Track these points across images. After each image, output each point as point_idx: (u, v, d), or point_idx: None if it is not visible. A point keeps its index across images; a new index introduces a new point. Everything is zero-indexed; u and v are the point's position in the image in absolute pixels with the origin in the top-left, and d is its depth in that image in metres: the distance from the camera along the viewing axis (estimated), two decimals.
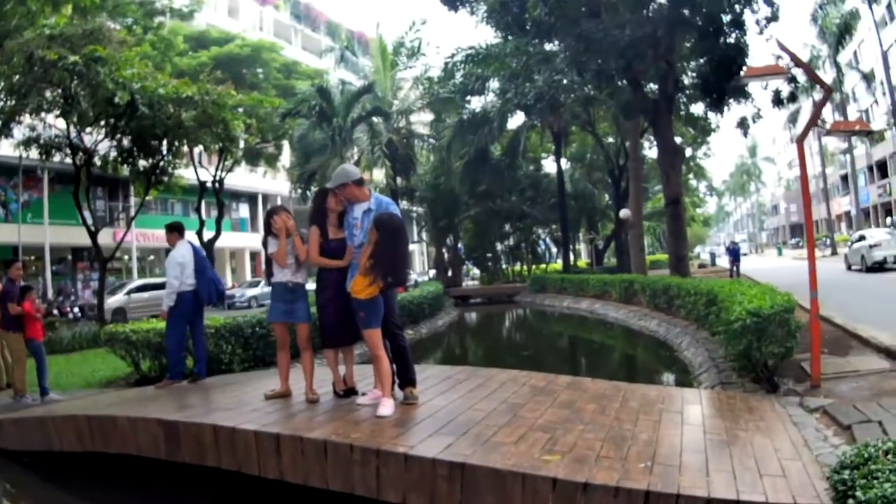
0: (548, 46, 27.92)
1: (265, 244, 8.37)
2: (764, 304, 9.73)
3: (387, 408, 7.07)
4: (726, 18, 22.59)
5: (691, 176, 61.95)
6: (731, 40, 23.13)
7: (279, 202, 63.22)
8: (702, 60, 25.61)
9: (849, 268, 33.80)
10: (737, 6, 22.59)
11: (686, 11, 22.80)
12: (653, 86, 27.98)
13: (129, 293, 36.85)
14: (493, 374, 9.67)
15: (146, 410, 8.21)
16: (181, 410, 8.16)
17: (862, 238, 33.60)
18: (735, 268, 35.61)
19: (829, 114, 72.34)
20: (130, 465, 8.26)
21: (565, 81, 25.85)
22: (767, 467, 5.74)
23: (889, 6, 52.46)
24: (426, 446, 5.99)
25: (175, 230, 11.28)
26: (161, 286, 34.33)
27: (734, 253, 36.46)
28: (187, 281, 10.65)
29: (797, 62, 10.99)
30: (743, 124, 28.46)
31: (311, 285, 8.49)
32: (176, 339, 10.93)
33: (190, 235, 41.17)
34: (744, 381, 10.26)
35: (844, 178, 75.74)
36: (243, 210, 63.56)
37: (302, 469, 6.41)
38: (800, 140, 10.59)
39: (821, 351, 9.61)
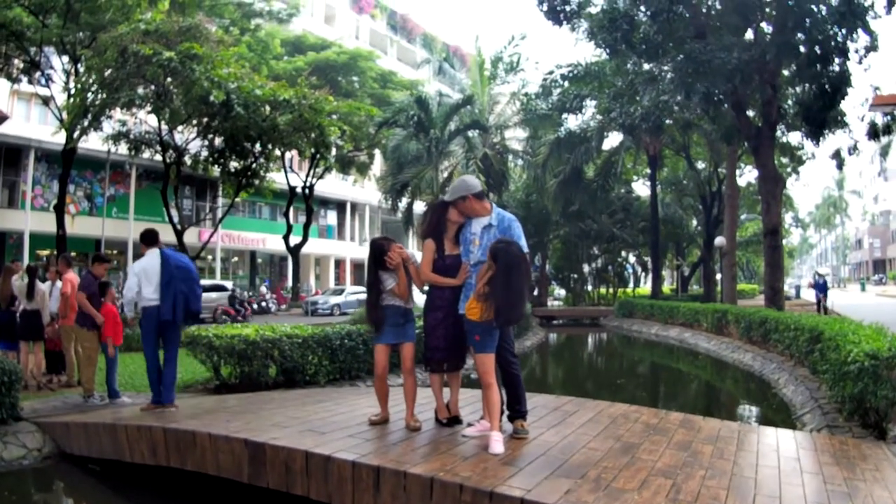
0: (646, 66, 27.50)
1: (375, 278, 7.63)
2: (881, 346, 9.27)
3: (498, 444, 6.55)
4: (832, 45, 22.01)
5: None
6: (836, 68, 22.64)
7: (367, 211, 64.34)
8: (804, 87, 25.18)
9: None
10: (840, 33, 22.01)
11: (799, 35, 22.46)
12: (751, 112, 27.31)
13: None
14: (601, 407, 9.25)
15: (230, 428, 7.71)
16: (268, 430, 7.56)
17: None
18: (823, 303, 34.24)
19: None
20: (206, 484, 7.90)
21: (670, 102, 25.14)
22: None
23: None
24: (544, 490, 5.48)
25: (143, 239, 10.34)
26: (213, 288, 35.20)
27: (822, 287, 34.98)
28: (148, 295, 9.83)
29: None
30: (838, 156, 27.77)
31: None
32: (147, 358, 10.16)
33: (276, 240, 41.98)
34: (851, 426, 9.77)
35: None
36: (331, 217, 63.61)
37: None
38: None
39: None
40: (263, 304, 43.67)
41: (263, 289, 47.91)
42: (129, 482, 8.83)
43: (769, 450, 7.38)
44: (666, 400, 16.79)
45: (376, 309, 7.55)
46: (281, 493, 6.81)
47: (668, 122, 30.47)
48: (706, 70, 21.77)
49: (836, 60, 22.53)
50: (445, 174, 42.36)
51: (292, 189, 44.39)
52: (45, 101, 28.29)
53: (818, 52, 22.22)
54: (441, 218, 7.55)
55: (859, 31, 22.43)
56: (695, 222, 60.54)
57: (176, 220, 31.24)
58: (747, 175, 50.04)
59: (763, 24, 25.07)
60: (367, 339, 14.94)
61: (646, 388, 19.51)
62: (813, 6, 21.85)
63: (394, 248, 7.51)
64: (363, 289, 42.08)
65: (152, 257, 10.01)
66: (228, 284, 39.84)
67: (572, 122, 42.83)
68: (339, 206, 63.67)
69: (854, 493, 6.01)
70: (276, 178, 38.52)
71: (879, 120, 25.38)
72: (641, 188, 59.52)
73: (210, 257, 47.53)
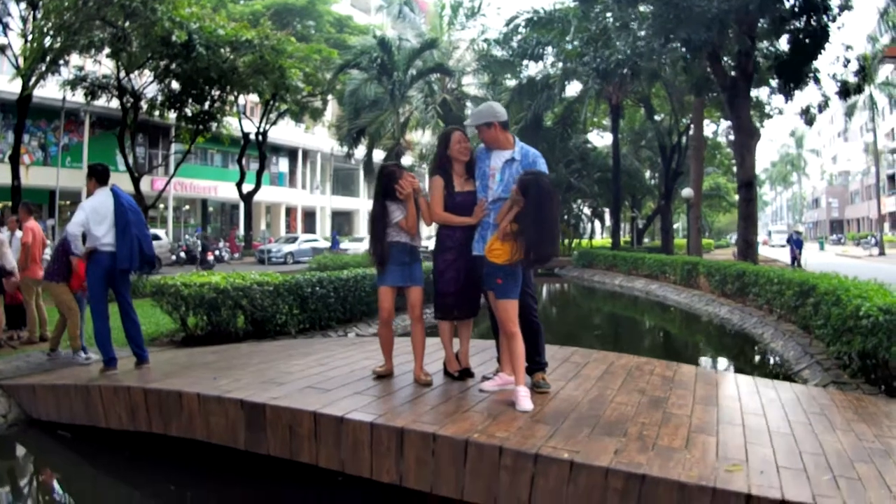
0: (618, 13, 27.13)
1: (383, 209, 6.88)
2: (895, 301, 8.91)
3: (526, 399, 5.97)
4: None
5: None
6: (816, 22, 22.38)
7: (319, 159, 64.19)
8: (781, 40, 24.86)
9: None
10: None
11: None
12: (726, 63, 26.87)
13: None
14: (610, 358, 8.79)
15: (219, 387, 6.91)
16: (264, 389, 6.72)
17: None
18: (797, 261, 33.76)
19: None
20: (194, 450, 7.14)
21: (649, 48, 24.63)
22: None
23: None
24: (591, 451, 4.94)
25: (93, 174, 9.16)
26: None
27: (799, 244, 34.44)
28: (100, 238, 8.73)
29: None
30: (807, 112, 27.52)
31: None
32: (96, 313, 8.92)
33: (229, 187, 41.73)
34: (858, 383, 9.50)
35: (891, 177, 74.40)
36: (283, 164, 63.43)
37: (429, 474, 5.33)
38: None
39: None
40: (217, 252, 42.92)
41: (194, 238, 46.88)
42: (104, 449, 8.00)
43: (793, 404, 7.16)
44: (660, 352, 16.36)
45: (381, 244, 6.86)
46: (282, 461, 6.20)
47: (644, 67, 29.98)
48: (687, 17, 21.38)
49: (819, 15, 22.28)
50: (402, 119, 42.16)
51: (246, 135, 44.00)
52: (2, 49, 27.37)
53: (803, 4, 22.01)
54: (445, 151, 6.90)
55: None
56: (648, 174, 60.57)
57: (132, 167, 30.71)
58: (706, 129, 50.02)
59: None
60: (338, 286, 14.67)
61: (632, 339, 19.01)
62: None
63: (406, 175, 6.82)
64: (315, 237, 41.94)
65: (104, 196, 8.96)
66: (161, 233, 38.66)
67: (532, 69, 42.93)
68: (291, 153, 63.55)
69: (891, 451, 5.79)
70: (231, 124, 38.06)
71: (851, 78, 25.10)
72: (597, 139, 59.58)
73: (162, 206, 46.76)
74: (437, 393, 6.58)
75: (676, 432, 5.58)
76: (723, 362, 15.09)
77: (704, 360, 15.41)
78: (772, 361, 13.88)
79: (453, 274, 6.75)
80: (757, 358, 14.97)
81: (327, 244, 48.44)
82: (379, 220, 6.87)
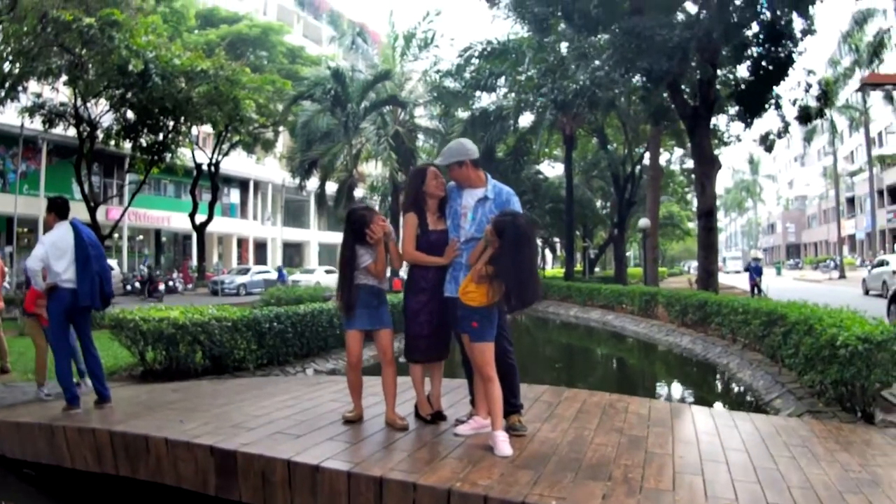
0: (564, 46, 27.16)
1: (352, 253, 6.69)
2: (873, 330, 8.89)
3: (505, 444, 5.79)
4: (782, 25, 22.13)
5: (689, 189, 61.05)
6: (782, 49, 22.59)
7: (270, 190, 64.23)
8: (741, 67, 24.89)
9: (866, 293, 33.10)
10: (790, 14, 22.14)
11: (748, 15, 22.32)
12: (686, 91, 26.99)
13: None
14: (582, 396, 8.70)
15: (187, 431, 6.67)
16: (233, 433, 6.50)
17: (883, 263, 32.73)
18: (757, 288, 33.33)
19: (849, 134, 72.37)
20: (164, 492, 6.73)
21: (608, 78, 24.63)
22: None
23: None
24: (579, 497, 4.79)
25: (53, 208, 8.82)
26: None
27: (758, 271, 34.01)
28: (60, 274, 8.38)
29: None
30: (766, 138, 27.62)
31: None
32: (58, 350, 8.64)
33: (182, 217, 41.65)
34: (834, 411, 9.35)
35: (850, 200, 75.34)
36: (234, 195, 63.61)
37: None
38: None
39: None
40: (171, 283, 42.65)
41: (144, 269, 46.37)
42: (71, 490, 7.67)
43: (773, 437, 7.13)
44: (628, 385, 16.17)
45: (350, 288, 6.66)
46: None
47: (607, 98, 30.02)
48: (648, 46, 21.39)
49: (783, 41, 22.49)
50: (354, 151, 42.22)
51: (199, 166, 43.97)
52: None
53: (768, 32, 22.19)
54: (420, 188, 6.68)
55: (794, 14, 22.43)
56: (600, 203, 60.95)
57: (88, 196, 30.41)
58: (692, 157, 50.56)
59: (689, 3, 25.01)
60: (296, 322, 14.44)
61: (597, 373, 18.87)
62: None
63: (377, 219, 6.65)
64: (268, 268, 41.82)
65: (63, 230, 8.60)
66: (113, 263, 38.37)
67: (485, 100, 42.97)
68: (243, 184, 63.79)
69: (878, 480, 5.78)
70: (184, 155, 38.00)
71: (813, 103, 25.30)
72: (548, 169, 59.90)
73: (117, 235, 46.16)
74: (411, 438, 6.37)
75: (661, 473, 5.49)
76: (694, 395, 14.90)
77: (676, 393, 15.30)
78: (742, 392, 13.73)
79: (427, 316, 6.57)
80: (727, 388, 14.80)
81: (275, 275, 48.07)
82: (348, 265, 6.69)
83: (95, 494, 7.51)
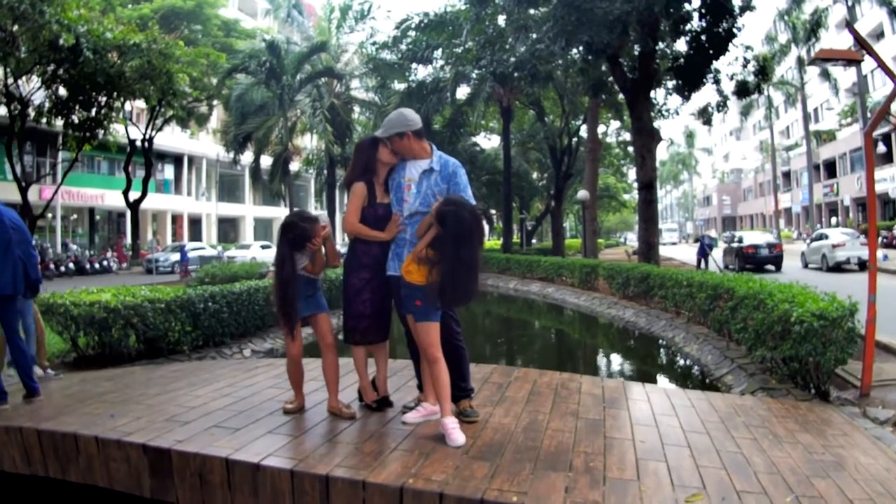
0: (502, 19, 26.96)
1: (289, 260, 6.21)
2: (828, 307, 8.72)
3: (457, 432, 5.45)
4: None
5: (626, 161, 61.29)
6: (724, 24, 22.57)
7: (204, 165, 63.14)
8: (682, 41, 24.84)
9: (805, 266, 33.54)
10: None
11: None
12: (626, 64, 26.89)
13: None
14: (532, 375, 8.38)
15: (118, 427, 6.16)
16: (167, 429, 6.06)
17: (822, 237, 33.21)
18: (705, 263, 33.04)
19: (788, 110, 73.02)
20: (101, 494, 6.29)
21: (548, 51, 24.39)
22: None
23: (852, 7, 51.99)
24: (540, 491, 4.51)
25: None
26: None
27: (710, 247, 33.59)
28: None
29: (869, 50, 9.72)
30: (705, 112, 27.64)
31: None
32: None
33: (116, 195, 40.89)
34: (788, 388, 9.24)
35: (786, 174, 76.32)
36: (168, 171, 62.41)
37: None
38: (868, 133, 9.66)
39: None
40: (105, 262, 42.13)
41: (73, 247, 45.26)
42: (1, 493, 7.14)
43: (732, 418, 6.97)
44: (574, 363, 16.08)
45: (286, 294, 6.21)
46: None
47: (542, 70, 29.78)
48: (588, 19, 21.16)
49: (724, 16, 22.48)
50: (289, 125, 42.21)
51: (132, 142, 43.21)
52: None
53: (709, 7, 22.19)
54: (371, 157, 6.26)
55: None
56: (536, 175, 61.02)
57: (20, 176, 29.70)
58: (631, 130, 50.67)
59: None
60: (231, 301, 14.08)
61: (543, 349, 18.64)
62: None
63: (318, 230, 6.20)
64: (202, 244, 41.22)
65: None
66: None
67: (422, 72, 43.13)
68: (176, 159, 62.68)
69: (843, 462, 5.74)
70: (117, 131, 37.21)
71: (750, 78, 25.38)
72: (484, 141, 59.76)
73: (50, 215, 45.21)
74: (357, 428, 6.01)
75: (624, 460, 5.29)
76: (644, 371, 14.73)
77: (626, 370, 15.19)
78: (691, 366, 13.63)
79: (369, 294, 6.18)
80: (675, 364, 14.63)
81: (214, 252, 47.25)
82: (285, 269, 6.22)
83: (26, 498, 7.04)
